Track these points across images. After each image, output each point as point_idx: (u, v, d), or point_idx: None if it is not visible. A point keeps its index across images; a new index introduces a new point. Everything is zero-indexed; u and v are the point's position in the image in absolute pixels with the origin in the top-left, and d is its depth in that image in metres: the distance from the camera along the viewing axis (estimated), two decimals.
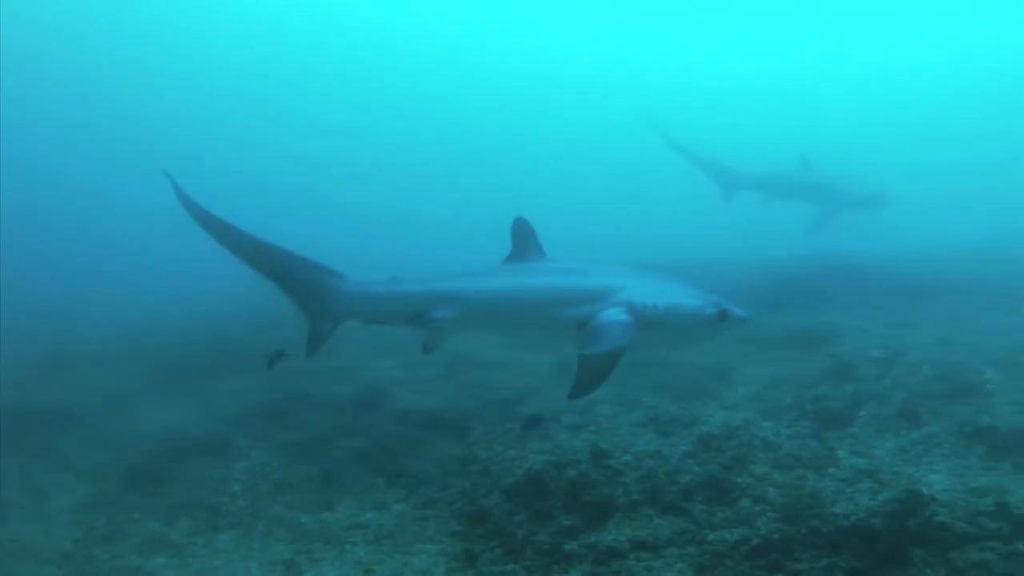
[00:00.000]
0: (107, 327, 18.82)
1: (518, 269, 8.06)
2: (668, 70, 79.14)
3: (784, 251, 20.91)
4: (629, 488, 7.46)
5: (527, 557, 6.64)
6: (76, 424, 11.26)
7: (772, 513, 6.80)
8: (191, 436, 10.28)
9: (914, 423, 8.69)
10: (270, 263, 8.07)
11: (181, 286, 25.47)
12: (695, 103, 69.04)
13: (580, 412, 9.55)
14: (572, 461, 7.87)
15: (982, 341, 10.95)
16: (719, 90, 72.91)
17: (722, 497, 7.26)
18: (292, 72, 72.99)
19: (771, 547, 6.31)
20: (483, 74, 79.68)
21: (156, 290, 25.68)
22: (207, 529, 8.18)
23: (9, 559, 7.76)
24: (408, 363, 12.50)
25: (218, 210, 7.76)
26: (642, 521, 7.01)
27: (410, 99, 74.63)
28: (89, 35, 66.01)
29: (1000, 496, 6.50)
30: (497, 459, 8.40)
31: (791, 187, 21.91)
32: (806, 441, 8.32)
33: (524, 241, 8.17)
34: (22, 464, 9.91)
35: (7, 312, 18.58)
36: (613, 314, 7.24)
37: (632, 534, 6.77)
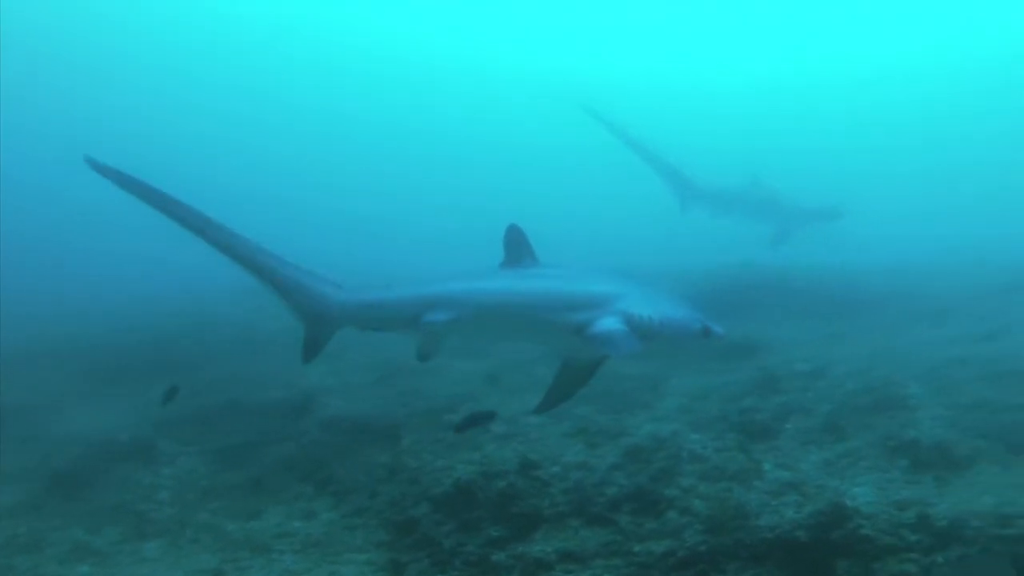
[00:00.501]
0: (40, 327, 18.59)
1: (515, 273, 8.05)
2: (647, 77, 79.45)
3: (717, 260, 21.10)
4: (557, 499, 7.47)
5: (455, 568, 6.64)
6: (1, 425, 11.10)
7: (698, 525, 6.84)
8: (119, 440, 10.18)
9: (839, 436, 8.81)
10: (265, 269, 8.04)
11: (129, 288, 25.15)
12: (680, 109, 69.88)
13: (509, 422, 9.55)
14: (500, 472, 7.85)
15: (907, 355, 11.11)
16: (708, 97, 73.54)
17: (649, 509, 7.29)
18: (274, 79, 72.87)
19: (697, 559, 6.36)
20: (470, 82, 79.76)
21: (107, 292, 25.31)
22: (133, 536, 8.09)
23: None
24: (339, 369, 12.46)
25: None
26: (569, 532, 7.03)
27: (390, 107, 74.73)
28: (61, 39, 65.66)
29: (922, 509, 6.61)
30: (426, 468, 8.37)
31: (746, 203, 22.07)
32: (732, 453, 8.38)
33: (518, 247, 8.16)
34: None
35: None
36: (611, 323, 7.26)
37: (559, 545, 6.79)
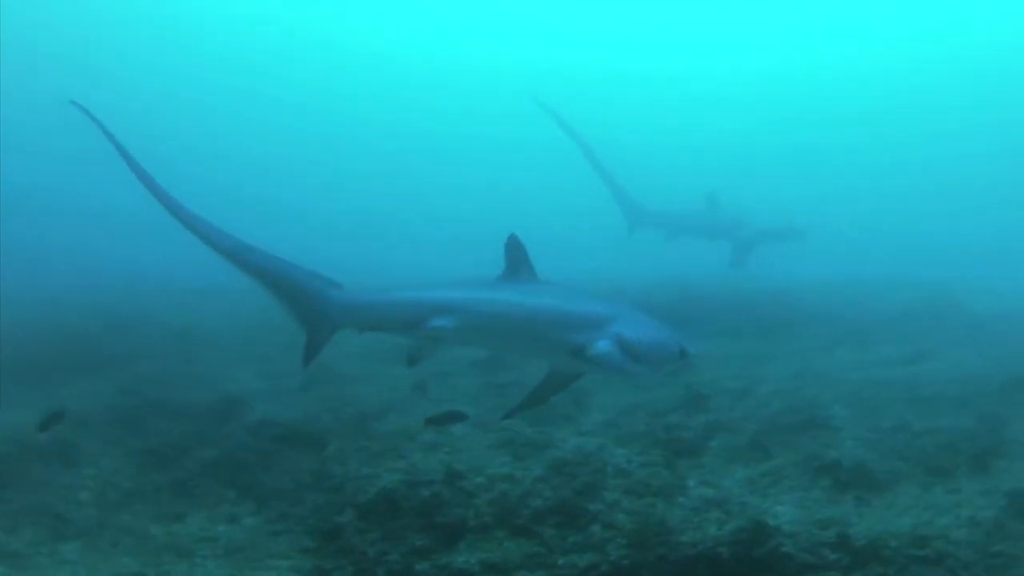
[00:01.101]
0: None
1: (518, 288, 7.94)
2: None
3: (654, 275, 21.29)
4: (482, 510, 7.46)
5: None
6: None
7: (622, 539, 6.88)
8: (38, 439, 9.97)
9: (763, 455, 8.93)
10: (263, 269, 7.89)
11: (60, 280, 24.67)
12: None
13: (436, 431, 9.55)
14: (426, 481, 7.83)
15: (832, 376, 11.28)
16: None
17: (573, 522, 7.31)
18: (269, 79, 72.42)
19: (620, 573, 6.41)
20: (464, 81, 79.37)
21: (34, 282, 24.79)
22: (51, 538, 7.91)
23: None
24: (267, 372, 12.39)
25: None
26: (493, 543, 7.04)
27: (382, 108, 74.40)
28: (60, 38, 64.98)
29: (842, 528, 6.74)
30: (351, 476, 8.30)
31: (695, 226, 22.22)
32: (657, 469, 8.44)
33: (517, 259, 8.03)
34: None
35: None
36: (606, 346, 7.32)
37: (483, 556, 6.79)
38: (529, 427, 9.75)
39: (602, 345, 7.29)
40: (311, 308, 7.97)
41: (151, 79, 66.94)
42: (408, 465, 8.34)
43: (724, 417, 10.09)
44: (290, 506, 8.13)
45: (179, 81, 68.81)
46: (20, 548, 7.68)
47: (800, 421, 9.62)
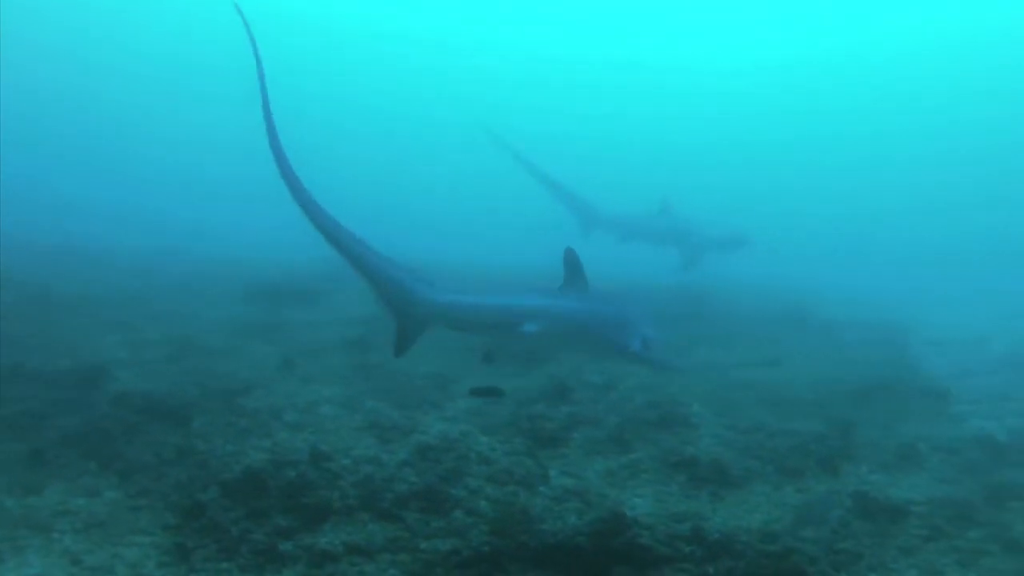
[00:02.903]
0: None
1: (583, 297, 9.79)
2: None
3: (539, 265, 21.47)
4: (346, 492, 7.48)
5: (242, 555, 6.56)
6: None
7: (484, 526, 6.98)
8: None
9: (623, 448, 9.13)
10: (366, 264, 9.01)
11: None
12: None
13: (302, 411, 9.54)
14: (292, 461, 7.80)
15: (694, 375, 11.53)
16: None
17: (436, 507, 7.40)
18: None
19: (481, 559, 6.49)
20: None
21: None
22: None
23: None
24: (133, 341, 12.11)
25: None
26: (357, 526, 7.06)
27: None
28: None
29: (697, 522, 6.98)
30: (216, 453, 8.22)
31: (647, 230, 22.44)
32: (520, 458, 8.59)
33: (573, 270, 9.79)
34: None
35: None
36: (638, 344, 9.64)
37: (347, 538, 6.81)
38: (395, 410, 9.82)
39: (636, 343, 9.61)
40: (403, 302, 9.29)
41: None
42: (274, 444, 8.33)
43: (587, 410, 10.26)
44: (153, 481, 7.92)
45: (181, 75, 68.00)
46: None
47: (660, 417, 9.86)
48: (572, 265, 9.81)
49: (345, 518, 7.17)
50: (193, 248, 23.62)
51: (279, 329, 13.56)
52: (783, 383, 11.37)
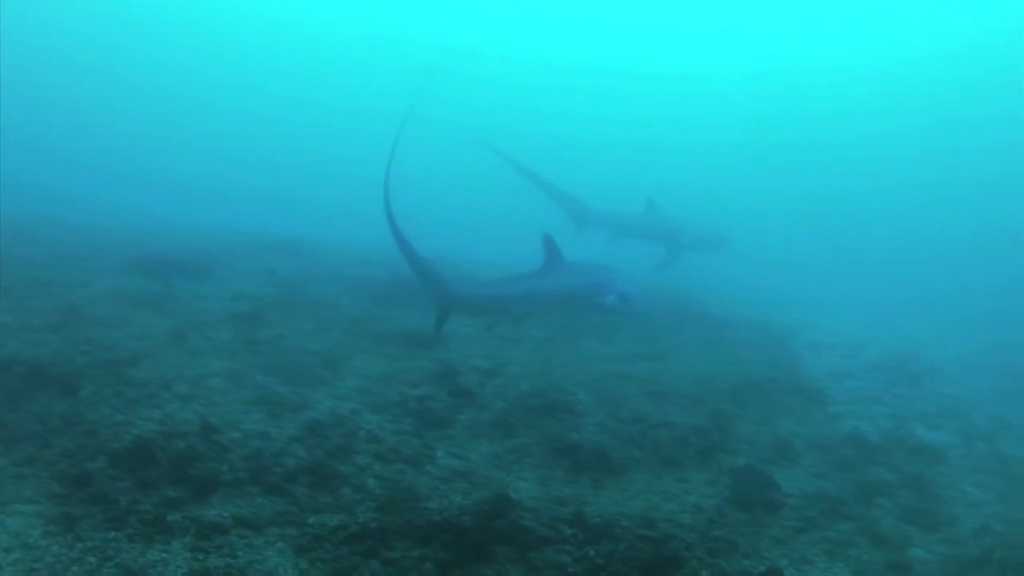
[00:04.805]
0: None
1: (561, 271, 12.46)
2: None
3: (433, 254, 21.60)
4: (236, 465, 7.54)
5: (130, 525, 6.54)
6: None
7: (371, 503, 7.13)
8: None
9: (509, 433, 9.31)
10: (420, 266, 11.63)
11: None
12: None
13: (192, 383, 9.50)
14: (181, 433, 7.81)
15: (578, 365, 11.76)
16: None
17: (325, 483, 7.50)
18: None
19: (368, 535, 6.62)
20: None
21: None
22: None
23: None
24: (18, 308, 11.84)
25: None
26: (246, 499, 7.13)
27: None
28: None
29: (579, 507, 7.21)
30: (104, 422, 8.13)
31: (636, 228, 22.81)
32: (408, 438, 8.73)
33: (552, 250, 12.46)
34: None
35: None
36: (613, 299, 12.65)
37: (236, 511, 6.87)
38: (284, 386, 9.85)
39: (610, 299, 12.63)
40: (440, 294, 11.73)
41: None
42: (163, 415, 8.29)
43: (474, 393, 10.40)
44: (38, 449, 7.74)
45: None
46: None
47: (546, 404, 10.02)
48: (550, 247, 12.45)
49: (234, 491, 7.24)
50: (78, 218, 23.14)
51: (169, 301, 13.41)
52: (663, 376, 11.63)
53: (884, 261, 34.65)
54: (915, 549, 7.49)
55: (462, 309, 12.08)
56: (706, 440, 9.47)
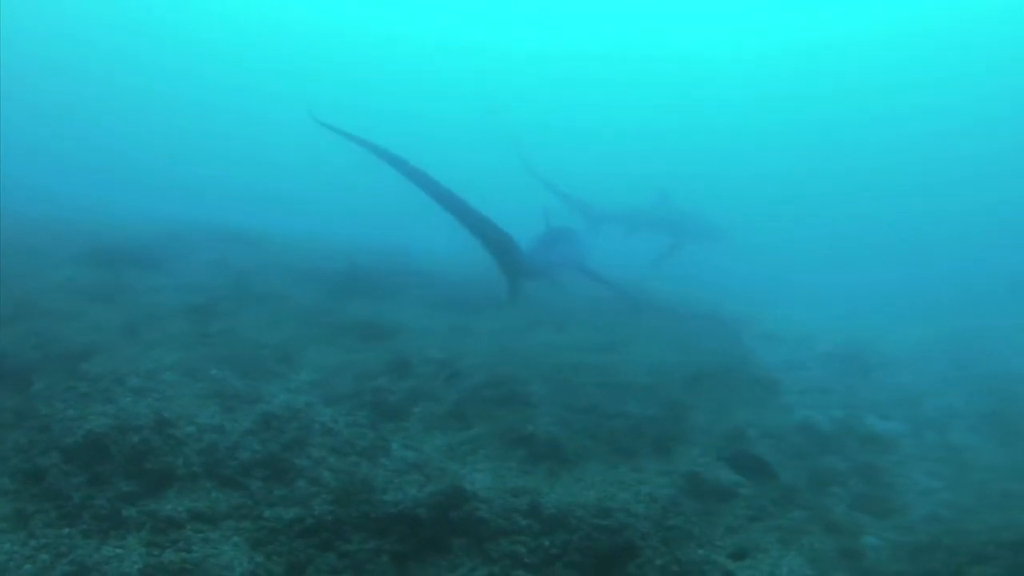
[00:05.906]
0: None
1: (563, 239, 16.24)
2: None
3: (378, 243, 21.63)
4: (190, 459, 7.52)
5: (84, 521, 6.53)
6: None
7: (326, 495, 7.13)
8: None
9: (463, 424, 9.36)
10: (490, 239, 13.00)
11: None
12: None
13: (145, 377, 9.45)
14: (135, 427, 7.75)
15: (532, 356, 11.76)
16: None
17: (280, 476, 7.52)
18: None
19: (323, 527, 6.64)
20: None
21: None
22: None
23: None
24: None
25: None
26: (201, 493, 7.13)
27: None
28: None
29: (534, 497, 7.25)
30: (57, 416, 8.04)
31: (648, 220, 23.78)
32: (362, 430, 8.73)
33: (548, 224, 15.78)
34: None
35: None
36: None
37: (191, 505, 6.87)
38: (238, 379, 9.82)
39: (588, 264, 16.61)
40: (511, 266, 13.72)
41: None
42: (117, 409, 8.19)
43: (428, 385, 10.40)
44: None
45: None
46: None
47: (500, 395, 10.04)
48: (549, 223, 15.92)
49: (189, 485, 7.24)
50: (34, 209, 22.88)
51: (121, 293, 13.30)
52: (616, 367, 11.66)
53: (848, 249, 34.87)
54: (867, 536, 7.59)
55: (524, 277, 14.21)
56: (660, 430, 9.54)
